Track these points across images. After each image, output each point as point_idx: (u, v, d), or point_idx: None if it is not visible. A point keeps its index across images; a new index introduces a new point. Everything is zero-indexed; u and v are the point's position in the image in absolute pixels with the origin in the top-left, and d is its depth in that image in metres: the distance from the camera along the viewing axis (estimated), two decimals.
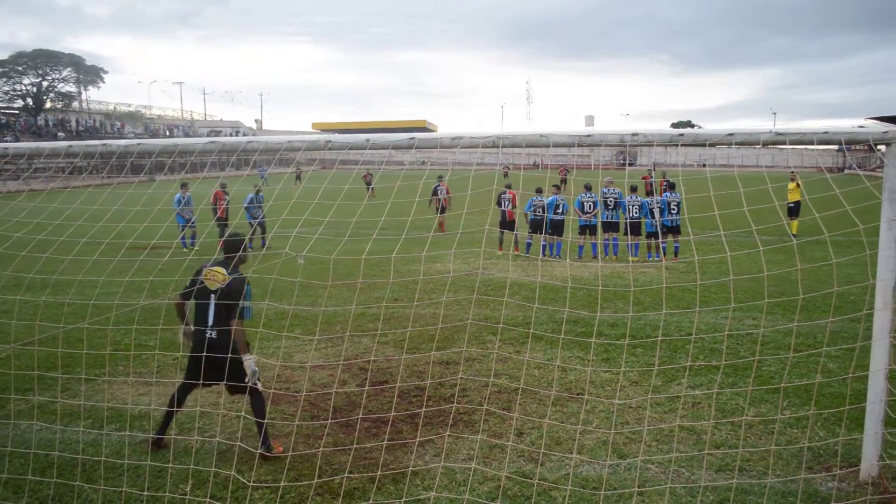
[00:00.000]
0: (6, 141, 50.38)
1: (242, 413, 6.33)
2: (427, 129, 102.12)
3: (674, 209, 16.44)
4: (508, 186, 18.17)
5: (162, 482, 5.38)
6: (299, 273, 11.10)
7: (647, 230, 16.57)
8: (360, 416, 6.51)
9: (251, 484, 5.29)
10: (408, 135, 5.52)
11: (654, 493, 5.22)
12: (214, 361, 5.62)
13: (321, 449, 5.85)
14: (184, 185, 18.94)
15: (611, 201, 16.77)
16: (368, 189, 29.49)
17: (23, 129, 63.74)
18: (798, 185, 19.76)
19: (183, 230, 18.40)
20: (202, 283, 5.88)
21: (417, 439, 6.07)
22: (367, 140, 5.55)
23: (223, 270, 5.90)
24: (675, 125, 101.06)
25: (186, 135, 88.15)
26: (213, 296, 5.83)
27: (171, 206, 18.10)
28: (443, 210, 20.57)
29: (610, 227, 16.92)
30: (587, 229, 17.09)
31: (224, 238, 6.30)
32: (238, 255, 6.03)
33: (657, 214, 16.29)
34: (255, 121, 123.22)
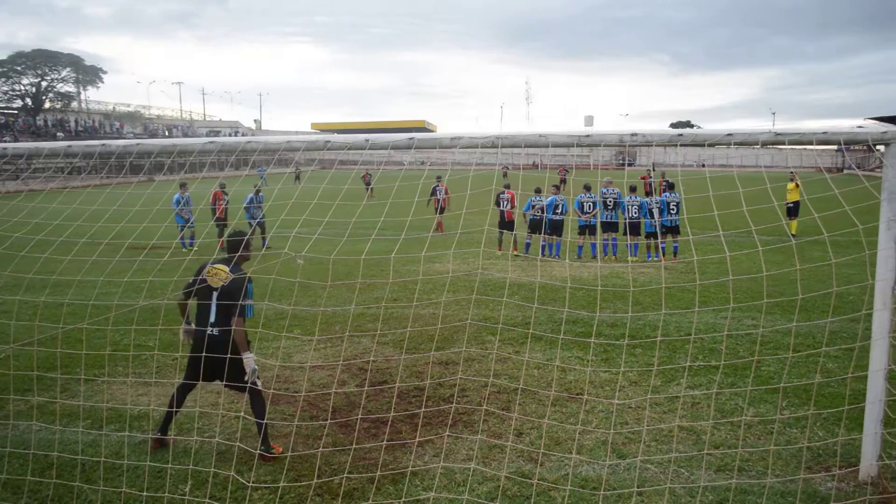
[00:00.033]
0: (5, 141, 50.36)
1: (242, 414, 6.34)
2: (426, 129, 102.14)
3: (673, 209, 16.44)
4: (507, 186, 18.17)
5: (161, 482, 5.38)
6: (299, 273, 11.10)
7: (646, 230, 16.57)
8: (360, 416, 6.51)
9: (250, 484, 5.29)
10: (407, 135, 5.52)
11: (654, 493, 5.22)
12: (215, 359, 5.62)
13: (320, 449, 5.85)
14: (183, 186, 18.93)
15: (610, 201, 16.77)
16: (368, 189, 29.52)
17: (22, 130, 63.72)
18: (797, 186, 19.78)
19: (182, 230, 18.39)
20: (204, 280, 5.88)
21: (417, 439, 6.07)
22: (367, 140, 5.55)
23: (226, 268, 5.90)
24: (674, 125, 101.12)
25: (185, 135, 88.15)
26: (214, 293, 5.84)
27: (171, 207, 18.10)
28: (441, 210, 20.58)
29: (609, 227, 16.92)
30: (586, 229, 17.09)
31: (227, 236, 6.31)
32: (239, 254, 6.04)
33: (656, 214, 16.30)
34: (255, 121, 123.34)
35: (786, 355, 8.27)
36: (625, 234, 17.13)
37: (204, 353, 5.64)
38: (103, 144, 6.01)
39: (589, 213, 16.83)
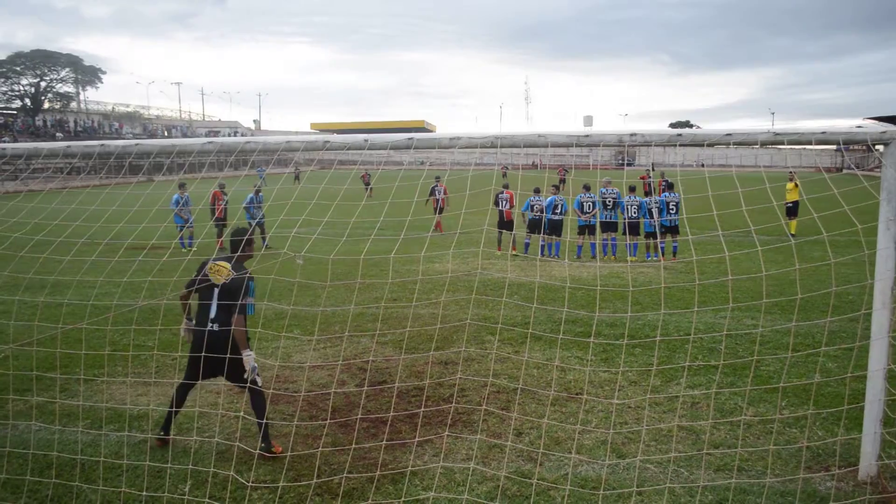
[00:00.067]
0: (4, 141, 50.35)
1: (241, 413, 6.34)
2: (425, 129, 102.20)
3: (672, 209, 16.45)
4: (506, 186, 18.17)
5: (161, 482, 5.38)
6: (298, 273, 11.10)
7: (645, 230, 16.58)
8: (359, 416, 6.51)
9: (250, 484, 5.29)
10: (406, 135, 5.52)
11: (653, 493, 5.22)
12: (215, 353, 5.62)
13: (320, 449, 5.85)
14: (182, 186, 18.93)
15: (609, 201, 16.78)
16: (367, 189, 29.53)
17: (21, 130, 63.70)
18: (796, 185, 19.80)
19: (181, 230, 18.38)
20: (206, 276, 5.89)
21: (416, 439, 6.07)
22: (366, 140, 5.55)
23: (228, 266, 5.90)
24: (673, 125, 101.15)
25: (185, 135, 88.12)
26: (216, 290, 5.84)
27: (170, 207, 18.09)
28: (440, 210, 20.58)
29: (608, 227, 16.93)
30: (586, 229, 17.10)
31: (229, 234, 6.31)
32: (242, 252, 6.05)
33: (656, 214, 16.31)
34: (254, 121, 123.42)
35: (785, 355, 8.27)
36: (624, 233, 17.13)
37: (204, 350, 5.64)
38: (102, 145, 6.00)
39: (589, 212, 16.83)
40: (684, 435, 6.28)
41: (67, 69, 79.02)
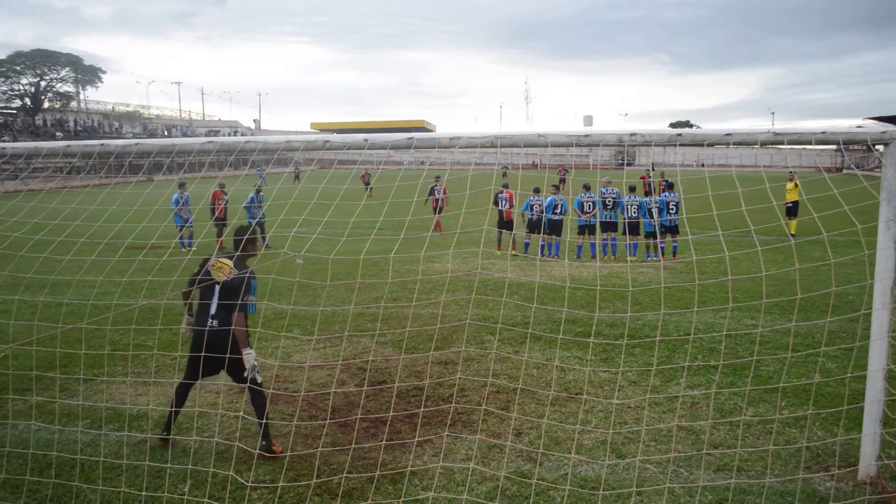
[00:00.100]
0: (4, 141, 50.34)
1: (241, 413, 6.34)
2: (425, 128, 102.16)
3: (672, 209, 16.45)
4: (505, 186, 18.17)
5: (160, 482, 5.38)
6: (298, 273, 11.10)
7: (645, 230, 16.58)
8: (359, 416, 6.50)
9: (249, 484, 5.28)
10: (406, 135, 5.51)
11: (653, 493, 5.22)
12: (214, 351, 5.63)
13: (320, 449, 5.85)
14: (182, 185, 18.92)
15: (609, 201, 16.78)
16: (367, 189, 29.53)
17: (21, 129, 63.68)
18: (796, 185, 19.80)
19: (181, 230, 18.38)
20: (208, 273, 5.89)
21: (416, 439, 6.07)
22: (366, 140, 5.55)
23: (230, 263, 5.91)
24: (673, 125, 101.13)
25: (185, 135, 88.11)
26: (217, 287, 5.84)
27: (170, 206, 18.09)
28: (440, 210, 20.58)
29: (608, 226, 16.93)
30: (586, 229, 17.10)
31: (233, 232, 6.31)
32: (243, 251, 6.06)
33: (655, 214, 16.31)
34: (254, 121, 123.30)
35: (785, 355, 8.27)
36: (624, 233, 17.13)
37: (203, 347, 5.65)
38: (102, 144, 6.00)
39: (589, 212, 16.84)
40: (684, 435, 6.28)
41: (67, 69, 78.97)
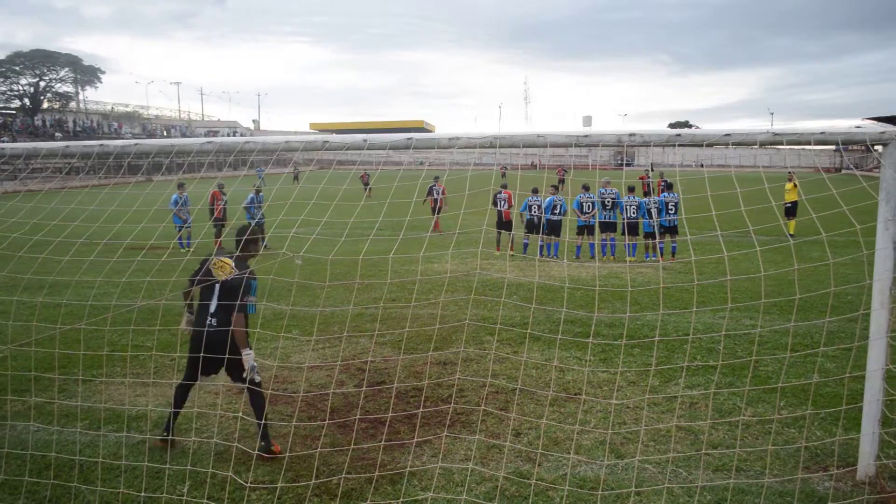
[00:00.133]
0: (3, 141, 50.32)
1: (240, 414, 6.33)
2: (425, 129, 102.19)
3: (671, 209, 16.45)
4: (504, 186, 18.16)
5: (159, 483, 5.38)
6: (297, 273, 11.10)
7: (644, 230, 16.58)
8: (358, 416, 6.50)
9: (248, 485, 5.28)
10: (405, 135, 5.51)
11: (652, 493, 5.22)
12: (214, 351, 5.62)
13: (319, 450, 5.84)
14: (181, 186, 18.92)
15: (608, 201, 16.78)
16: (366, 189, 29.54)
17: (20, 130, 63.65)
18: (795, 186, 19.82)
19: (180, 231, 18.38)
20: (209, 271, 5.89)
21: (415, 440, 6.07)
22: (365, 140, 5.55)
23: (231, 263, 5.90)
24: (672, 125, 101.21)
25: (184, 135, 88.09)
26: (217, 287, 5.84)
27: (168, 207, 18.09)
28: (438, 210, 20.58)
29: (607, 227, 16.93)
30: (585, 229, 17.10)
31: (235, 232, 6.31)
32: (244, 251, 6.06)
33: (655, 214, 16.31)
34: (253, 121, 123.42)
35: (784, 355, 8.28)
36: (623, 234, 17.13)
37: (202, 346, 5.64)
38: (101, 144, 6.00)
39: (588, 213, 16.84)
40: (683, 435, 6.28)
41: (66, 69, 78.95)
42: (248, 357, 5.69)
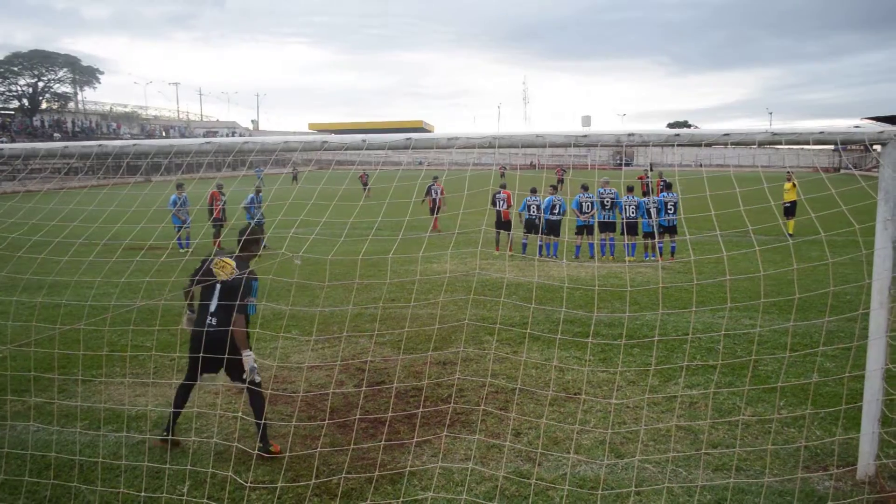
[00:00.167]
0: (2, 142, 50.28)
1: (239, 414, 6.33)
2: (424, 129, 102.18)
3: (670, 209, 16.46)
4: (503, 186, 18.16)
5: (159, 483, 5.38)
6: (296, 273, 11.10)
7: (643, 230, 16.59)
8: (358, 416, 6.50)
9: (248, 485, 5.28)
10: (404, 135, 5.51)
11: (652, 493, 5.22)
12: (213, 350, 5.62)
13: (318, 449, 5.84)
14: (179, 186, 18.91)
15: (607, 201, 16.79)
16: (365, 189, 29.55)
17: (19, 130, 63.59)
18: (794, 185, 19.83)
19: (179, 231, 18.37)
20: (210, 270, 5.89)
21: (415, 440, 6.07)
22: (364, 140, 5.55)
23: (233, 263, 5.90)
24: (671, 125, 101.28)
25: (183, 135, 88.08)
26: (217, 287, 5.84)
27: (167, 207, 18.07)
28: (437, 210, 20.60)
29: (606, 227, 16.94)
30: (584, 229, 17.11)
31: (238, 233, 6.30)
32: (246, 251, 6.06)
33: (654, 214, 16.32)
34: (252, 121, 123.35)
35: (783, 355, 8.28)
36: (622, 234, 17.13)
37: (202, 346, 5.64)
38: (100, 145, 6.00)
39: (587, 213, 16.85)
40: (682, 435, 6.29)
41: (65, 69, 78.89)
42: (248, 358, 5.69)
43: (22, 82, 76.13)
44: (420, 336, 9.46)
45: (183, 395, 6.05)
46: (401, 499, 5.13)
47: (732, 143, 5.16)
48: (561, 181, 27.01)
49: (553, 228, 16.91)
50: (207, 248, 15.52)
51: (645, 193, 21.63)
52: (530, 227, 16.92)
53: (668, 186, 17.49)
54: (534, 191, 17.27)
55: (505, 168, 33.83)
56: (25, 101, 76.11)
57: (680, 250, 16.93)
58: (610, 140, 5.24)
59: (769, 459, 5.71)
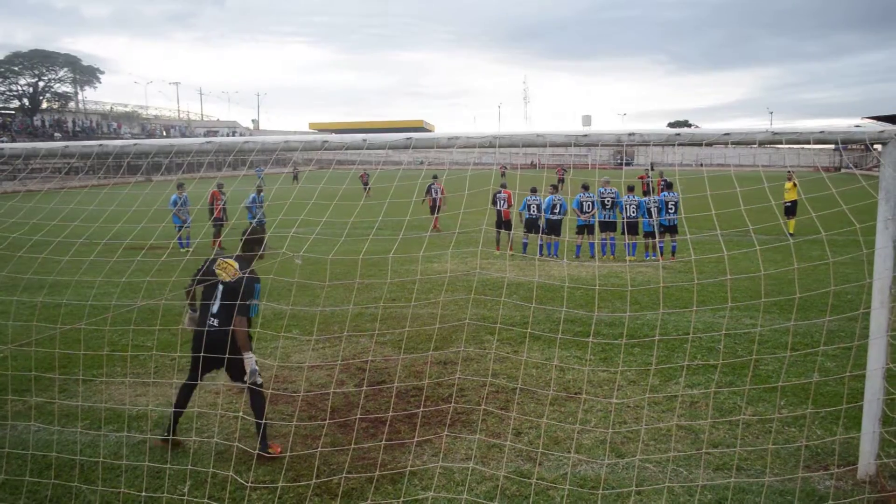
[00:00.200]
0: (2, 141, 50.28)
1: (240, 414, 6.33)
2: (424, 129, 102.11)
3: (671, 209, 16.45)
4: (503, 186, 18.15)
5: (160, 483, 5.38)
6: (297, 273, 11.10)
7: (644, 229, 16.58)
8: (358, 416, 6.50)
9: (249, 484, 5.28)
10: (404, 135, 5.51)
11: (652, 493, 5.22)
12: (214, 351, 5.62)
13: (319, 449, 5.85)
14: (180, 186, 18.91)
15: (608, 201, 16.78)
16: (365, 189, 29.54)
17: (19, 130, 63.61)
18: (795, 185, 19.82)
19: (180, 231, 18.38)
20: (213, 271, 5.88)
21: (415, 439, 6.07)
22: (364, 140, 5.55)
23: (236, 265, 5.90)
24: (671, 125, 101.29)
25: (183, 135, 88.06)
26: (220, 287, 5.83)
27: (168, 207, 18.08)
28: (437, 209, 20.59)
29: (607, 226, 16.94)
30: (584, 229, 17.11)
31: (241, 233, 6.30)
32: (250, 252, 6.06)
33: (654, 214, 16.32)
34: (252, 121, 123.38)
35: (784, 354, 8.28)
36: (623, 233, 17.13)
37: (203, 346, 5.64)
38: (101, 145, 6.00)
39: (588, 212, 16.84)
40: (683, 434, 6.29)
41: (66, 69, 78.90)
42: (250, 361, 5.69)
43: (22, 82, 76.20)
44: (421, 336, 9.46)
45: (185, 395, 6.05)
46: (401, 498, 5.13)
47: (733, 143, 5.16)
48: (561, 181, 26.99)
49: (554, 228, 16.91)
50: (208, 248, 15.53)
51: (646, 193, 21.63)
52: (531, 226, 16.92)
53: (668, 186, 17.49)
54: (534, 190, 17.27)
55: (505, 167, 33.83)
56: (26, 101, 76.13)
57: (680, 250, 16.93)
58: (610, 140, 5.24)
59: (770, 459, 5.70)
